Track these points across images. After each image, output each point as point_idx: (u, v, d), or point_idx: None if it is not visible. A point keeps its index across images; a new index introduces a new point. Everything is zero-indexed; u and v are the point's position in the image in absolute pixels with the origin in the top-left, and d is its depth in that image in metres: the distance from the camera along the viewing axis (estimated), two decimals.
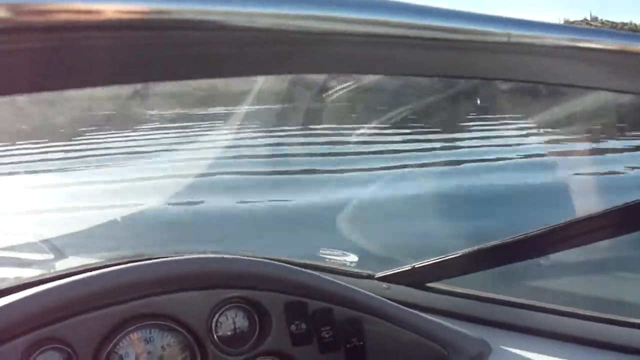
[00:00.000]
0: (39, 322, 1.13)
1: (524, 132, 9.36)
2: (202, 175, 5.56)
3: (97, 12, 0.34)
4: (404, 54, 0.53)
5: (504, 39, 0.55)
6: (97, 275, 1.20)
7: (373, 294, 1.41)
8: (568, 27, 0.62)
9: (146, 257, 1.40)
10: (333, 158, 7.42)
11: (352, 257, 1.83)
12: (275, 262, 1.37)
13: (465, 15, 0.55)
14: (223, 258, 1.34)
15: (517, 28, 0.57)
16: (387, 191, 5.37)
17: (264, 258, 1.42)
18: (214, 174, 5.92)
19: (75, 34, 0.34)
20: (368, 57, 0.51)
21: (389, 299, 1.43)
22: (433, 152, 7.74)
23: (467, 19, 0.54)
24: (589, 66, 0.63)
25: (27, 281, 1.38)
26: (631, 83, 0.68)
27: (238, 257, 1.36)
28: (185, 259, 1.30)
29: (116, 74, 0.38)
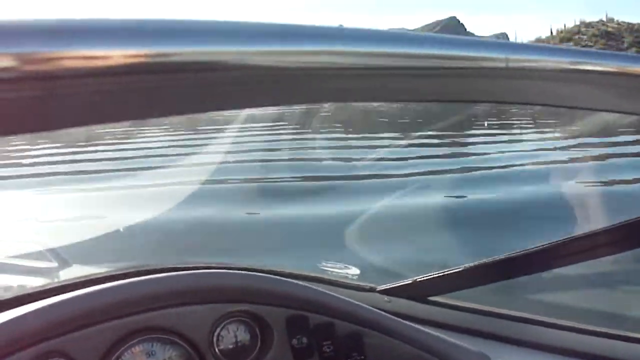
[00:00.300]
0: (42, 336, 1.13)
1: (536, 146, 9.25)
2: (206, 184, 5.56)
3: (100, 57, 0.35)
4: (404, 83, 0.54)
5: (502, 64, 0.56)
6: (100, 291, 1.20)
7: (374, 308, 1.40)
8: (566, 49, 0.62)
9: (150, 269, 1.41)
10: (339, 170, 7.37)
11: (354, 270, 1.83)
12: (277, 277, 1.37)
13: (463, 42, 0.55)
14: (225, 273, 1.34)
15: (514, 53, 0.57)
16: (393, 206, 5.33)
17: (266, 271, 1.42)
18: (218, 182, 5.91)
19: (78, 80, 0.35)
20: (368, 87, 0.52)
21: (390, 312, 1.43)
22: (438, 166, 7.67)
23: (464, 45, 0.55)
24: (588, 88, 0.64)
25: (30, 291, 1.38)
26: (632, 104, 0.69)
27: (240, 271, 1.36)
28: (187, 274, 1.30)
29: (118, 113, 0.39)
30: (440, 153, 9.05)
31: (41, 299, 1.18)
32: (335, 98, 0.53)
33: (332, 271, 1.82)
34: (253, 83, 0.42)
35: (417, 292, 1.58)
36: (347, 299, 1.39)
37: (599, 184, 6.43)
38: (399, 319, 1.41)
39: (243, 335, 1.32)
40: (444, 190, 6.29)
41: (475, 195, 6.11)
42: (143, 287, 1.24)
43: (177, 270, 1.35)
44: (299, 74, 0.45)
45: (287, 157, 8.56)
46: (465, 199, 5.99)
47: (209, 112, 0.44)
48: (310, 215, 5.25)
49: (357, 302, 1.39)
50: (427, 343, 1.38)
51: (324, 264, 1.86)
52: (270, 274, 1.39)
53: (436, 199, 5.82)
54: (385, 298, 1.59)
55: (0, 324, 1.10)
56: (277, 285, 1.34)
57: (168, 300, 1.25)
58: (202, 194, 5.38)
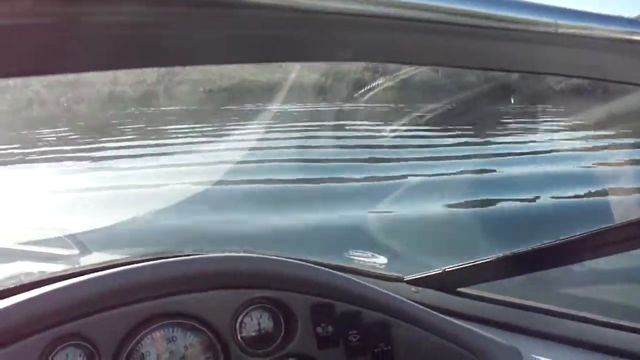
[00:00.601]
0: (61, 318, 1.12)
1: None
2: (230, 175, 5.55)
3: None
4: (446, 43, 0.50)
5: (551, 30, 0.52)
6: (121, 272, 1.19)
7: (402, 298, 1.37)
8: (619, 18, 0.58)
9: (171, 255, 1.38)
10: (365, 164, 7.30)
11: (381, 259, 1.80)
12: (303, 263, 1.34)
13: (510, 2, 0.51)
14: (249, 257, 1.31)
15: (565, 18, 0.53)
16: (419, 195, 5.28)
17: (291, 258, 1.39)
18: (242, 179, 5.90)
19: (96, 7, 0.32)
20: (411, 45, 0.49)
21: (417, 302, 1.39)
22: (466, 157, 7.55)
23: (511, 6, 0.51)
24: None
25: (50, 276, 1.37)
26: None
27: (264, 256, 1.33)
28: (210, 257, 1.28)
29: (140, 55, 0.36)
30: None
31: (59, 282, 1.17)
32: (370, 57, 0.50)
33: (359, 260, 1.79)
34: (289, 30, 0.39)
35: (446, 282, 1.55)
36: (374, 287, 1.36)
37: None
38: (427, 309, 1.37)
39: (266, 323, 1.30)
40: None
41: None
42: (164, 270, 1.22)
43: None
44: (336, 20, 0.41)
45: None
46: None
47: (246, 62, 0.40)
48: None
49: (385, 291, 1.36)
50: (456, 335, 1.34)
51: (351, 252, 1.82)
52: (295, 261, 1.36)
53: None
54: (413, 288, 1.56)
55: (18, 304, 1.08)
56: (301, 271, 1.31)
57: (190, 284, 1.22)
58: (225, 185, 5.38)
